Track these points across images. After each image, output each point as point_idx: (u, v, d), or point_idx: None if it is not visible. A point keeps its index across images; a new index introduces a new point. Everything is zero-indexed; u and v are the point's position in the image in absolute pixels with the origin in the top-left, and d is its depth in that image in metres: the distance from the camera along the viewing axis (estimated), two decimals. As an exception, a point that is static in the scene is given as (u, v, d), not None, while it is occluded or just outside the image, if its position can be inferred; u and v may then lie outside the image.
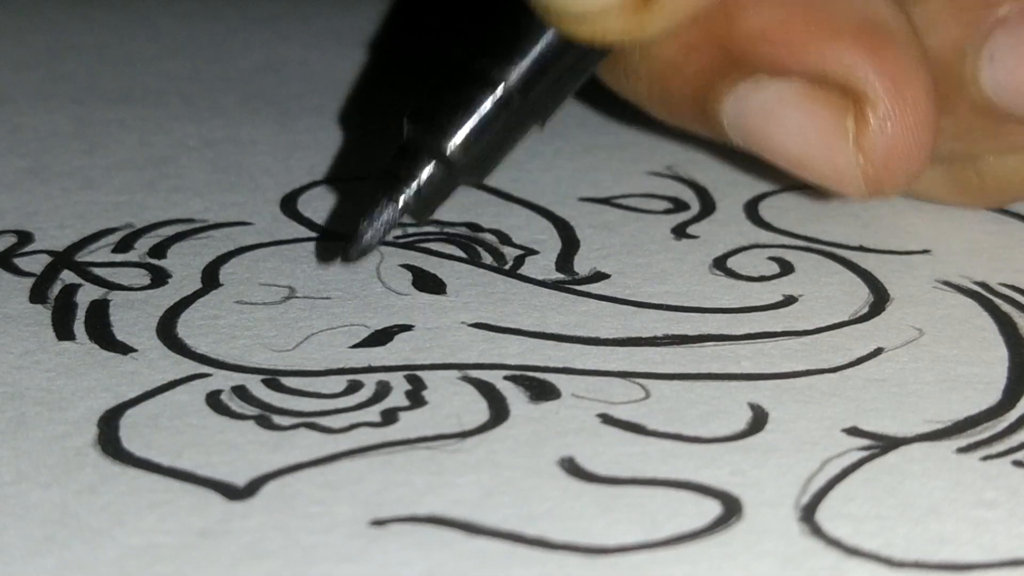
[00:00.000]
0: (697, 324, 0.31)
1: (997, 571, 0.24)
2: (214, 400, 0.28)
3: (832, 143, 0.31)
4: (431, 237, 0.35)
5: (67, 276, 0.33)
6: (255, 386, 0.29)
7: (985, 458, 0.27)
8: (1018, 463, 0.27)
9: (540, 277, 0.33)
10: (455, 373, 0.30)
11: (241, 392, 0.29)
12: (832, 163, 0.31)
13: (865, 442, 0.27)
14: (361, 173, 0.38)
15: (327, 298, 0.32)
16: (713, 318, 0.32)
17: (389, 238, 0.35)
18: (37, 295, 0.32)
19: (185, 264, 0.34)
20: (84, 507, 0.25)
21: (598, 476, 0.26)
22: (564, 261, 0.34)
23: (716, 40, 0.31)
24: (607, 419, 0.28)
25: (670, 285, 0.33)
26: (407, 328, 0.31)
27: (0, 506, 0.25)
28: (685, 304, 0.32)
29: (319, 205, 0.37)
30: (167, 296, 0.32)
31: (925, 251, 0.35)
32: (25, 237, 0.35)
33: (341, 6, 0.51)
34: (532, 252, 0.34)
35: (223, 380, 0.29)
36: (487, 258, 0.34)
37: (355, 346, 0.30)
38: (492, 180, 0.37)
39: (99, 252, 0.34)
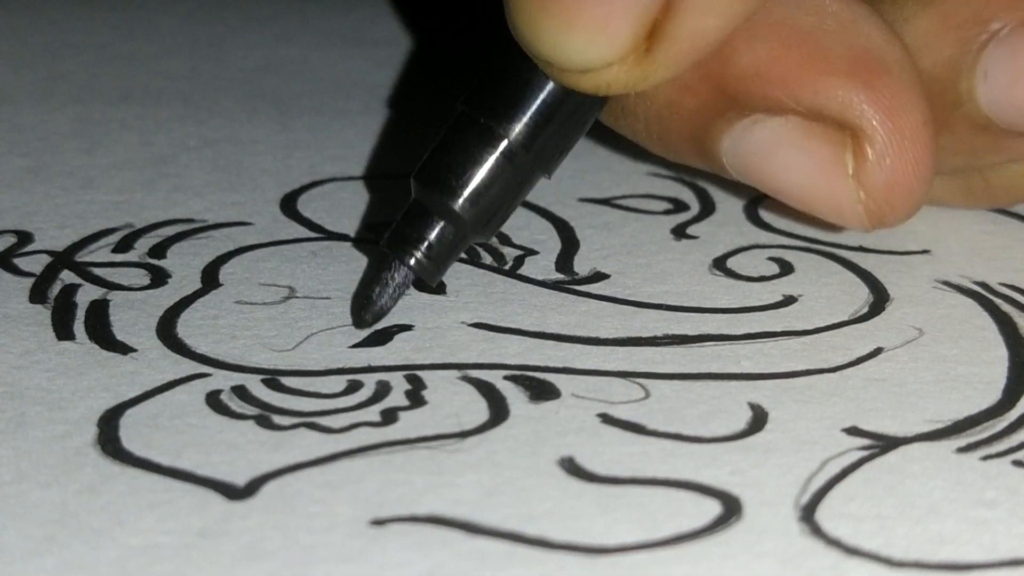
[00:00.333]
0: (697, 324, 0.31)
1: (997, 571, 0.24)
2: (214, 400, 0.28)
3: (832, 179, 0.31)
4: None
5: (67, 276, 0.33)
6: (255, 386, 0.29)
7: (985, 458, 0.27)
8: (1018, 463, 0.27)
9: (540, 277, 0.33)
10: (455, 373, 0.30)
11: (241, 392, 0.29)
12: (833, 199, 0.31)
13: (865, 442, 0.27)
14: (361, 173, 0.38)
15: (327, 298, 0.32)
16: (713, 318, 0.32)
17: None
18: (37, 295, 0.32)
19: (185, 264, 0.34)
20: (84, 507, 0.25)
21: (598, 476, 0.26)
22: (564, 261, 0.34)
23: (712, 80, 0.31)
24: (607, 419, 0.28)
25: (670, 285, 0.33)
26: (407, 328, 0.31)
27: (0, 506, 0.25)
28: (685, 304, 0.32)
29: (319, 205, 0.37)
30: (167, 296, 0.32)
31: (925, 251, 0.35)
32: (25, 237, 0.35)
33: (341, 6, 0.51)
34: (532, 252, 0.34)
35: (223, 380, 0.29)
36: (487, 258, 0.34)
37: (355, 346, 0.30)
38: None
39: (99, 252, 0.34)
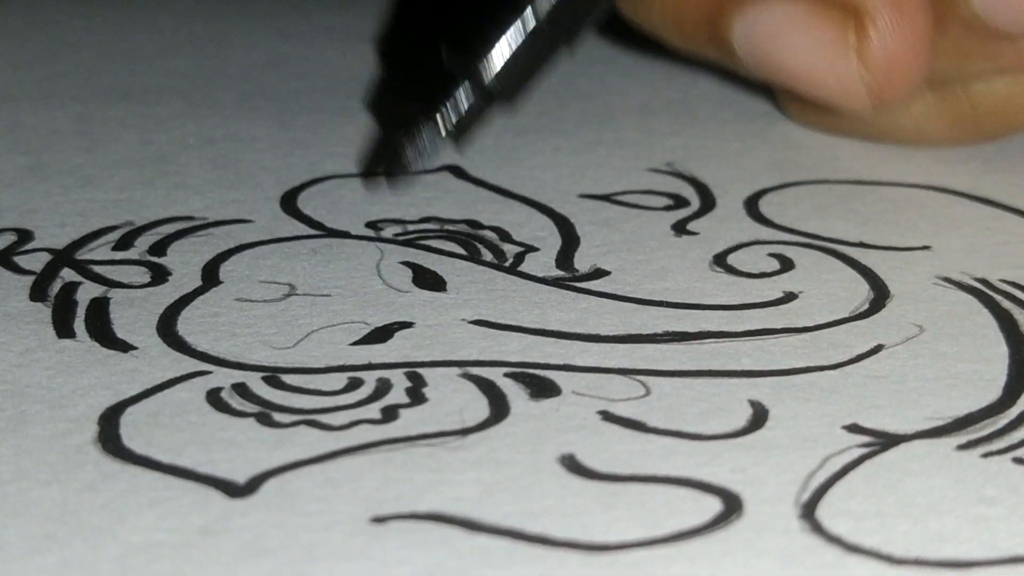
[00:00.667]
0: (697, 321, 0.31)
1: (997, 568, 0.24)
2: (214, 397, 0.28)
3: (836, 58, 0.33)
4: (431, 234, 0.35)
5: (67, 274, 0.33)
6: (255, 383, 0.29)
7: (985, 455, 0.27)
8: (1018, 460, 0.27)
9: (540, 274, 0.33)
10: (455, 370, 0.30)
11: (241, 389, 0.29)
12: (836, 77, 0.33)
13: (865, 439, 0.27)
14: (361, 170, 0.38)
15: (327, 295, 0.32)
16: (713, 315, 0.32)
17: (391, 236, 0.35)
18: (37, 293, 0.32)
19: (185, 262, 0.34)
20: (84, 505, 0.25)
21: (598, 473, 0.26)
22: (564, 258, 0.34)
23: None
24: (607, 416, 0.28)
25: (670, 282, 0.33)
26: (407, 325, 0.31)
27: (0, 504, 0.25)
28: (685, 301, 0.32)
29: (319, 202, 0.37)
30: (167, 294, 0.32)
31: (925, 247, 0.35)
32: (25, 235, 0.35)
33: (341, 3, 0.51)
34: (532, 249, 0.34)
35: (223, 377, 0.29)
36: (487, 255, 0.34)
37: (355, 343, 0.30)
38: (491, 177, 0.37)
39: (99, 250, 0.34)
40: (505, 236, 0.35)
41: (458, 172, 0.37)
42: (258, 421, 0.28)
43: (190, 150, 0.39)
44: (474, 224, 0.35)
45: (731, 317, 0.32)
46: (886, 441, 0.27)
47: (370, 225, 0.35)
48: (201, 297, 0.32)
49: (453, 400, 0.29)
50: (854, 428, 0.28)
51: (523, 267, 0.34)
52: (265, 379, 0.29)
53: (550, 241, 0.35)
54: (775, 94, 0.40)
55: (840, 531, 0.25)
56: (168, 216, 0.36)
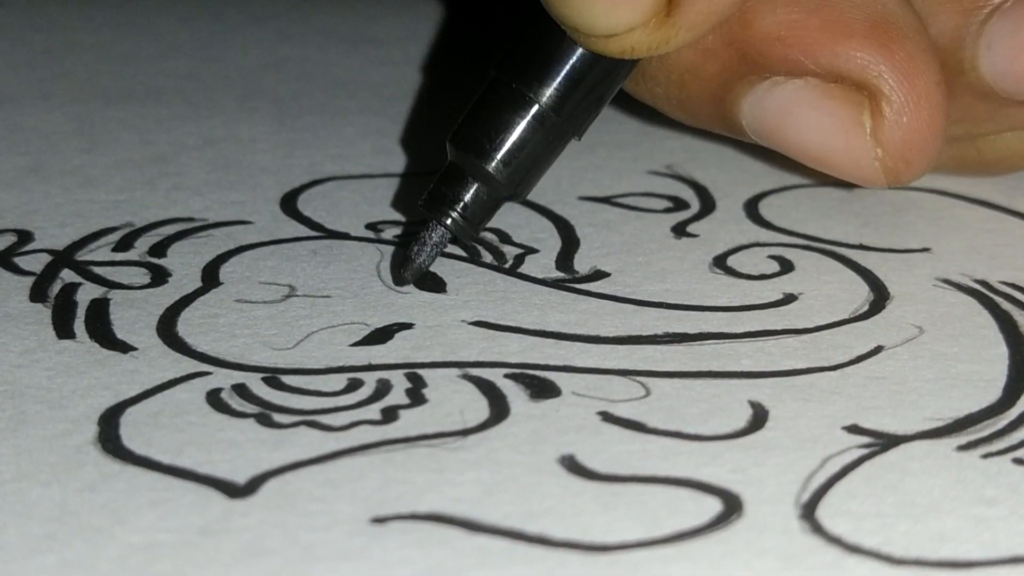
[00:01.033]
0: (697, 322, 0.31)
1: (997, 568, 0.24)
2: (214, 398, 0.28)
3: (850, 138, 0.32)
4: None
5: (67, 275, 0.33)
6: (255, 384, 0.29)
7: (985, 455, 0.27)
8: (1018, 461, 0.27)
9: (540, 276, 0.33)
10: (455, 371, 0.30)
11: (241, 390, 0.29)
12: (851, 157, 0.32)
13: (865, 440, 0.27)
14: (361, 171, 0.38)
15: (327, 296, 0.32)
16: (713, 316, 0.32)
17: (391, 237, 0.35)
18: (37, 294, 0.32)
19: (185, 263, 0.34)
20: (84, 505, 0.25)
21: (598, 474, 0.26)
22: (564, 260, 0.34)
23: (733, 43, 0.33)
24: (607, 417, 0.28)
25: (670, 283, 0.33)
26: (407, 326, 0.31)
27: (0, 504, 0.25)
28: (685, 302, 0.32)
29: (319, 204, 0.37)
30: (167, 295, 0.32)
31: (925, 249, 0.35)
32: (25, 236, 0.35)
33: (341, 4, 0.51)
34: (532, 251, 0.34)
35: (223, 378, 0.29)
36: (487, 257, 0.34)
37: (355, 344, 0.30)
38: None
39: (99, 251, 0.34)
40: (505, 238, 0.35)
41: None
42: (258, 422, 0.28)
43: (190, 151, 0.39)
44: (474, 225, 0.35)
45: (731, 318, 0.32)
46: (886, 442, 0.27)
47: (370, 226, 0.35)
48: (201, 298, 0.32)
49: (453, 401, 0.29)
50: (854, 429, 0.28)
51: (523, 269, 0.34)
52: (265, 380, 0.29)
53: (550, 243, 0.35)
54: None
55: (840, 531, 0.25)
56: (168, 217, 0.36)
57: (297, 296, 0.32)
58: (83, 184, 0.37)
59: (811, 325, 0.31)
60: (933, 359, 0.30)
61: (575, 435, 0.27)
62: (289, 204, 0.37)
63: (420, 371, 0.29)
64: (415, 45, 0.48)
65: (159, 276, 0.33)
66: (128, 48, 0.47)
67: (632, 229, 0.36)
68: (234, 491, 0.26)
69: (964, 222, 0.36)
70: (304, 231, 0.35)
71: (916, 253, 0.35)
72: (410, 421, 0.28)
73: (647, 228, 0.36)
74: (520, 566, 0.24)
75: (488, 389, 0.29)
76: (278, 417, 0.28)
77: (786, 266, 0.34)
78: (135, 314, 0.31)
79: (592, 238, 0.35)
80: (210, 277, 0.33)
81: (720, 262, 0.34)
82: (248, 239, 0.35)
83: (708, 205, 0.37)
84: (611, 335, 0.31)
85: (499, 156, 0.31)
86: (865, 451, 0.27)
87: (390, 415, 0.28)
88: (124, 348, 0.30)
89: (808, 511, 0.25)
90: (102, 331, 0.31)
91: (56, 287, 0.32)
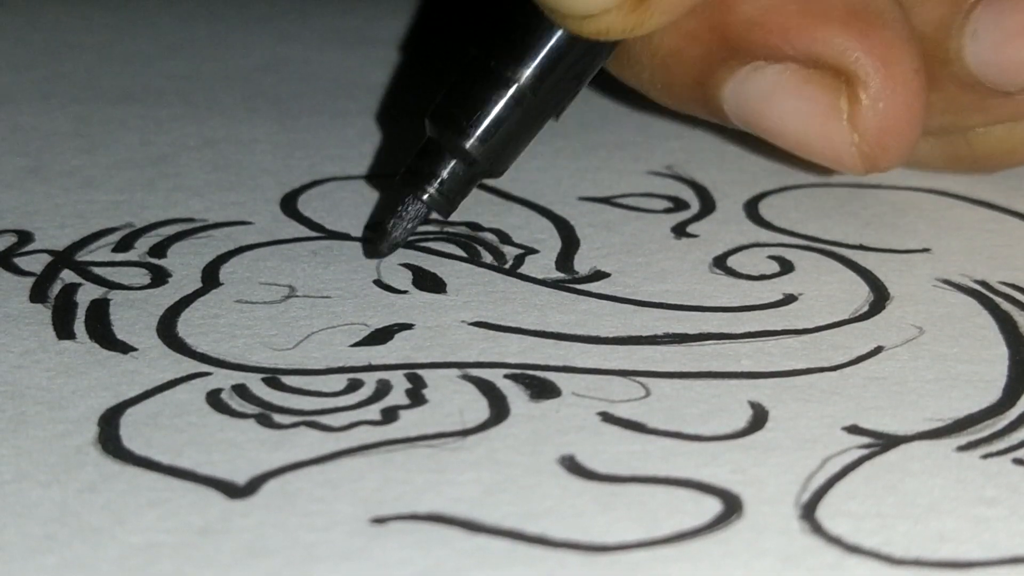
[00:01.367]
0: (697, 323, 0.31)
1: (997, 569, 0.24)
2: (214, 399, 0.28)
3: (828, 123, 0.32)
4: (431, 236, 0.35)
5: (67, 275, 0.33)
6: (255, 385, 0.29)
7: (985, 456, 0.27)
8: (1018, 461, 0.27)
9: (540, 276, 0.33)
10: (455, 372, 0.30)
11: (241, 391, 0.29)
12: (829, 142, 0.33)
13: (865, 440, 0.27)
14: (361, 172, 0.38)
15: (327, 297, 0.32)
16: (713, 317, 0.32)
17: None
18: (37, 294, 0.32)
19: (185, 263, 0.34)
20: (84, 505, 0.25)
21: (598, 474, 0.26)
22: (564, 260, 0.34)
23: (714, 28, 0.33)
24: (607, 417, 0.28)
25: (670, 284, 0.33)
26: (407, 327, 0.31)
27: (0, 504, 0.25)
28: (685, 303, 0.32)
29: (319, 204, 0.37)
30: (167, 295, 0.32)
31: (925, 249, 0.35)
32: (25, 236, 0.35)
33: (341, 5, 0.51)
34: (532, 251, 0.34)
35: (223, 379, 0.29)
36: (487, 257, 0.34)
37: (355, 345, 0.30)
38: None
39: (99, 251, 0.34)
40: (505, 238, 0.35)
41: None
42: (258, 422, 0.28)
43: (190, 152, 0.39)
44: (474, 226, 0.35)
45: (731, 319, 0.32)
46: (886, 442, 0.27)
47: (371, 227, 0.35)
48: (201, 299, 0.32)
49: (453, 401, 0.29)
50: (854, 429, 0.28)
51: (523, 269, 0.34)
52: (265, 380, 0.29)
53: (550, 243, 0.35)
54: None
55: (840, 532, 0.25)
56: (168, 218, 0.36)
57: (297, 297, 0.32)
58: (83, 184, 0.37)
59: (811, 325, 0.31)
60: (933, 359, 0.30)
61: (575, 435, 0.28)
62: (289, 205, 0.37)
63: (420, 371, 0.29)
64: (415, 46, 0.48)
65: (159, 277, 0.33)
66: (128, 48, 0.47)
67: (632, 229, 0.36)
68: (234, 491, 0.26)
69: (964, 222, 0.36)
70: (304, 232, 0.35)
71: (916, 253, 0.35)
72: (410, 421, 0.28)
73: (647, 228, 0.36)
74: (520, 566, 0.24)
75: (488, 389, 0.29)
76: (278, 417, 0.28)
77: (786, 266, 0.34)
78: (135, 315, 0.31)
79: (592, 238, 0.35)
80: (210, 278, 0.33)
81: (720, 262, 0.34)
82: (248, 240, 0.35)
83: (708, 205, 0.37)
84: (611, 335, 0.31)
85: (476, 133, 0.32)
86: (865, 451, 0.27)
87: (390, 415, 0.28)
88: (124, 349, 0.30)
89: (808, 511, 0.25)
90: (102, 332, 0.31)
91: (56, 287, 0.32)
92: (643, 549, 0.25)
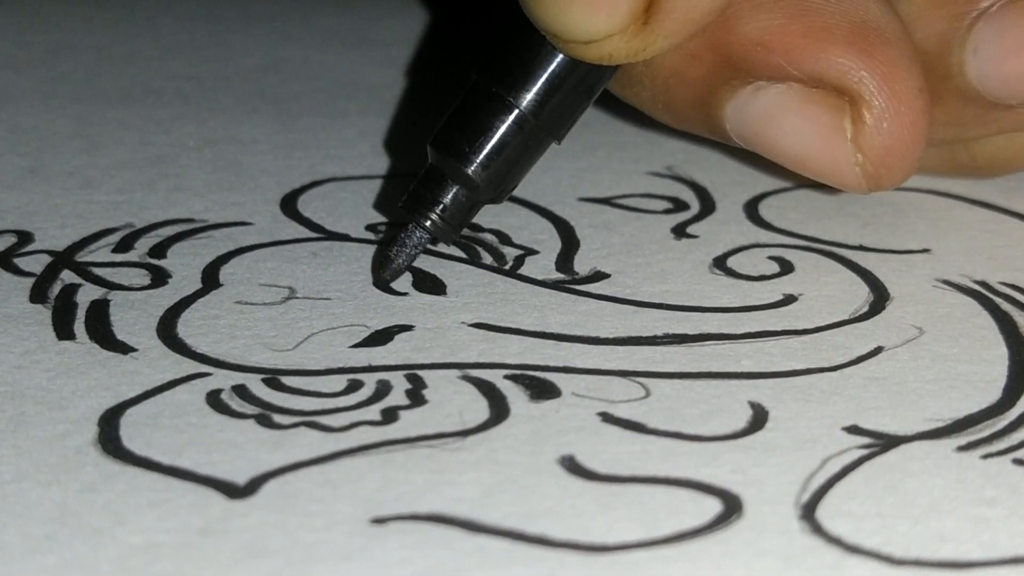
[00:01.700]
0: (697, 323, 0.31)
1: (997, 569, 0.24)
2: (214, 399, 0.28)
3: (831, 143, 0.32)
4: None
5: (67, 276, 0.33)
6: (255, 385, 0.29)
7: (985, 456, 0.27)
8: (1018, 461, 0.27)
9: (540, 277, 0.33)
10: (455, 372, 0.30)
11: (241, 391, 0.29)
12: (832, 162, 0.32)
13: (865, 440, 0.27)
14: (361, 172, 0.38)
15: (327, 298, 0.32)
16: (713, 317, 0.32)
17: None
18: (37, 295, 0.32)
19: (185, 264, 0.34)
20: (84, 506, 0.25)
21: (598, 474, 0.26)
22: (564, 261, 0.34)
23: (716, 49, 0.33)
24: (607, 418, 0.28)
25: (670, 284, 0.33)
26: (407, 328, 0.31)
27: (0, 505, 0.25)
28: (685, 303, 0.32)
29: (319, 205, 0.37)
30: (167, 296, 0.32)
31: (925, 250, 0.35)
32: (25, 237, 0.35)
33: (341, 6, 0.51)
34: (532, 252, 0.34)
35: (223, 379, 0.29)
36: (487, 258, 0.34)
37: (355, 346, 0.30)
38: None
39: (99, 252, 0.34)
40: (505, 239, 0.35)
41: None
42: (258, 423, 0.28)
43: (190, 152, 0.39)
44: (474, 227, 0.35)
45: (731, 319, 0.32)
46: (886, 442, 0.27)
47: (370, 228, 0.35)
48: (201, 299, 0.32)
49: (453, 402, 0.29)
50: (854, 429, 0.28)
51: (523, 270, 0.34)
52: (265, 381, 0.29)
53: (550, 244, 0.35)
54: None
55: (840, 532, 0.25)
56: (168, 218, 0.36)
57: (297, 298, 0.32)
58: (83, 185, 0.37)
59: (811, 326, 0.31)
60: (933, 360, 0.30)
61: (575, 436, 0.28)
62: (289, 205, 0.37)
63: (420, 372, 0.29)
64: (415, 46, 0.48)
65: (159, 277, 0.33)
66: (128, 49, 0.47)
67: (632, 230, 0.36)
68: (234, 492, 0.26)
69: (964, 223, 0.36)
70: (304, 232, 0.35)
71: (916, 254, 0.35)
72: (410, 422, 0.28)
73: (647, 229, 0.36)
74: (520, 566, 0.24)
75: (488, 390, 0.29)
76: (278, 418, 0.28)
77: (786, 267, 0.34)
78: (135, 315, 0.31)
79: (592, 239, 0.35)
80: (210, 278, 0.33)
81: (720, 263, 0.34)
82: (248, 240, 0.35)
83: (708, 206, 0.37)
84: (611, 336, 0.31)
85: (478, 159, 0.32)
86: (865, 452, 0.27)
87: (390, 416, 0.28)
88: (124, 349, 0.30)
89: (808, 512, 0.25)
90: (102, 332, 0.31)
91: (56, 288, 0.32)
92: (643, 549, 0.25)
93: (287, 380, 0.29)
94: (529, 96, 0.31)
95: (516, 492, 0.26)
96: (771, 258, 0.34)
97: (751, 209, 0.37)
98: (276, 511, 0.25)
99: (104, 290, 0.32)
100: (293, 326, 0.31)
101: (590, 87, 0.32)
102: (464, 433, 0.28)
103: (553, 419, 0.28)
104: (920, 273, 0.34)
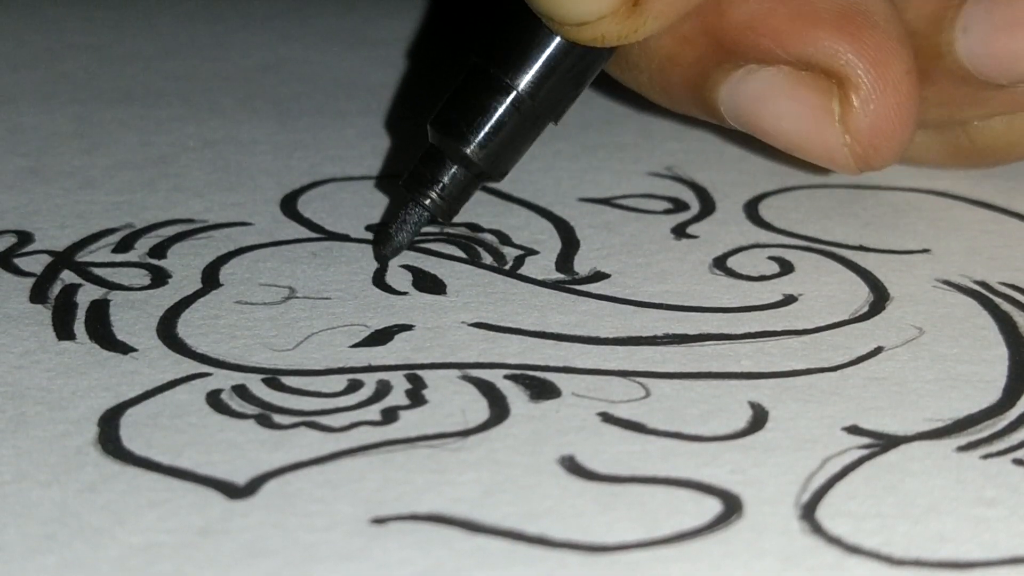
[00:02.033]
0: (697, 323, 0.31)
1: (997, 569, 0.24)
2: (214, 399, 0.28)
3: (820, 124, 0.33)
4: (431, 237, 0.35)
5: (67, 276, 0.33)
6: (255, 385, 0.29)
7: (985, 456, 0.27)
8: (1018, 461, 0.27)
9: (540, 277, 0.33)
10: (455, 372, 0.30)
11: (241, 391, 0.29)
12: (822, 143, 0.33)
13: (865, 440, 0.27)
14: (361, 173, 0.38)
15: (327, 298, 0.32)
16: (713, 317, 0.32)
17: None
18: (37, 295, 0.32)
19: (185, 264, 0.34)
20: (84, 506, 0.25)
21: (598, 474, 0.26)
22: (564, 261, 0.34)
23: (709, 32, 0.33)
24: (607, 418, 0.28)
25: (670, 285, 0.33)
26: (407, 328, 0.31)
27: (1, 505, 0.25)
28: (685, 303, 0.32)
29: (319, 205, 0.37)
30: (167, 296, 0.32)
31: (925, 250, 0.35)
32: (25, 237, 0.35)
33: (341, 6, 0.51)
34: (532, 252, 0.34)
35: (223, 379, 0.29)
36: (487, 258, 0.34)
37: (355, 346, 0.30)
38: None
39: (99, 252, 0.34)
40: (505, 239, 0.35)
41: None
42: (258, 423, 0.28)
43: (190, 152, 0.39)
44: (474, 227, 0.35)
45: (731, 319, 0.32)
46: (886, 442, 0.27)
47: (370, 228, 0.35)
48: (201, 299, 0.32)
49: (453, 402, 0.29)
50: (854, 429, 0.28)
51: (523, 270, 0.34)
52: (265, 381, 0.29)
53: (550, 244, 0.35)
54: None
55: (840, 532, 0.25)
56: (168, 218, 0.36)
57: (297, 298, 0.32)
58: (83, 185, 0.37)
59: (811, 326, 0.31)
60: (933, 360, 0.30)
61: (575, 436, 0.28)
62: (289, 206, 0.37)
63: (420, 372, 0.29)
64: (415, 46, 0.48)
65: (159, 277, 0.33)
66: (128, 49, 0.47)
67: (632, 230, 0.36)
68: (234, 492, 0.26)
69: (964, 223, 0.36)
70: (304, 233, 0.35)
71: (916, 254, 0.35)
72: (410, 422, 0.28)
73: (647, 229, 0.36)
74: (520, 566, 0.24)
75: (488, 390, 0.29)
76: (278, 418, 0.28)
77: (786, 267, 0.34)
78: (135, 315, 0.31)
79: (592, 239, 0.35)
80: (210, 278, 0.33)
81: (720, 263, 0.34)
82: (248, 240, 0.35)
83: (708, 206, 0.37)
84: (611, 336, 0.31)
85: (476, 139, 0.32)
86: (865, 452, 0.27)
87: (390, 416, 0.28)
88: (124, 349, 0.30)
89: (808, 512, 0.25)
90: (102, 332, 0.31)
91: (56, 288, 0.32)
92: (643, 549, 0.25)
93: (287, 380, 0.29)
94: (527, 78, 0.32)
95: (516, 492, 0.26)
96: (771, 258, 0.34)
97: (751, 209, 0.37)
98: (276, 511, 0.25)
99: (104, 290, 0.32)
100: (293, 326, 0.31)
101: (586, 69, 0.33)
102: (464, 433, 0.28)
103: (553, 419, 0.28)
104: (920, 273, 0.34)
